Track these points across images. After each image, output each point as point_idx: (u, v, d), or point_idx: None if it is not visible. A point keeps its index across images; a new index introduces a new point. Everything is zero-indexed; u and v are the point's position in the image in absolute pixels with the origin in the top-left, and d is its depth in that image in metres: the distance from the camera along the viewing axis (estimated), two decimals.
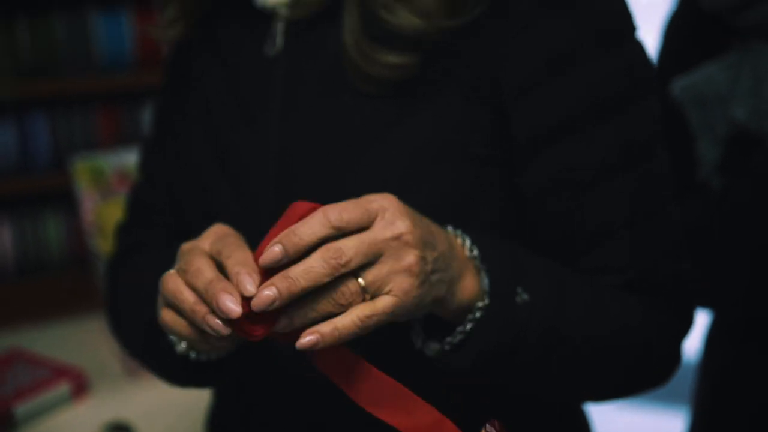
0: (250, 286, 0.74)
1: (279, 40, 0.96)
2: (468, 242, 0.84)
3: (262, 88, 0.96)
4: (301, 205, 0.78)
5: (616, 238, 0.90)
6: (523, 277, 0.85)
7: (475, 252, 0.83)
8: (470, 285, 0.82)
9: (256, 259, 0.76)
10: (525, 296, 0.84)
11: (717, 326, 1.41)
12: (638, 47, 0.91)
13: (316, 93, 0.93)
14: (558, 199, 0.89)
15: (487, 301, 0.82)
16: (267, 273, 0.76)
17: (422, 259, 0.77)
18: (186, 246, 0.82)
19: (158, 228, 1.11)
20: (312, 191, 0.91)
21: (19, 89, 2.15)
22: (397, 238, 0.76)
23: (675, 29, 1.33)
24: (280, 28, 0.96)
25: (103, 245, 1.79)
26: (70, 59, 2.21)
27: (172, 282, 0.80)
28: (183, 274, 0.79)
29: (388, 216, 0.76)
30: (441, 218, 0.86)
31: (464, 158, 0.88)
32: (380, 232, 0.75)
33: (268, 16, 0.98)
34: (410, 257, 0.76)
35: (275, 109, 0.95)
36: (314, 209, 0.77)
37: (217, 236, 0.81)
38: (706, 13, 1.25)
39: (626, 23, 0.90)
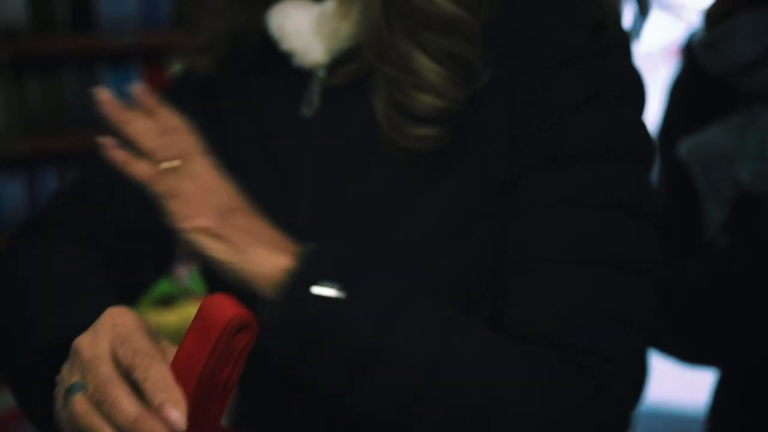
0: (179, 420, 0.68)
1: (316, 101, 0.97)
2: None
3: (297, 149, 0.96)
4: (216, 302, 0.72)
5: (542, 271, 0.86)
6: (341, 276, 0.82)
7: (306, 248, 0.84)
8: (274, 260, 0.83)
9: (173, 370, 0.71)
10: (330, 291, 0.80)
11: (723, 382, 1.40)
12: (637, 117, 0.91)
13: (349, 157, 0.93)
14: (518, 221, 0.88)
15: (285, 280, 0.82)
16: (185, 382, 0.70)
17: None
18: (86, 351, 0.73)
19: (75, 233, 1.00)
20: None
21: (28, 145, 2.17)
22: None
23: (680, 90, 1.35)
24: (316, 89, 0.97)
25: None
26: (79, 115, 2.23)
27: (86, 416, 0.71)
28: (97, 404, 0.71)
29: None
30: (470, 279, 0.88)
31: (492, 215, 0.89)
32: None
33: (304, 75, 0.98)
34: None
35: (309, 171, 0.95)
36: (230, 304, 0.71)
37: (120, 336, 0.73)
38: (710, 75, 1.27)
39: (636, 90, 0.92)
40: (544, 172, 0.87)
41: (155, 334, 0.75)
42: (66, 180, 1.01)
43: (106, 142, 0.86)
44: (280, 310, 0.81)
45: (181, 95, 1.07)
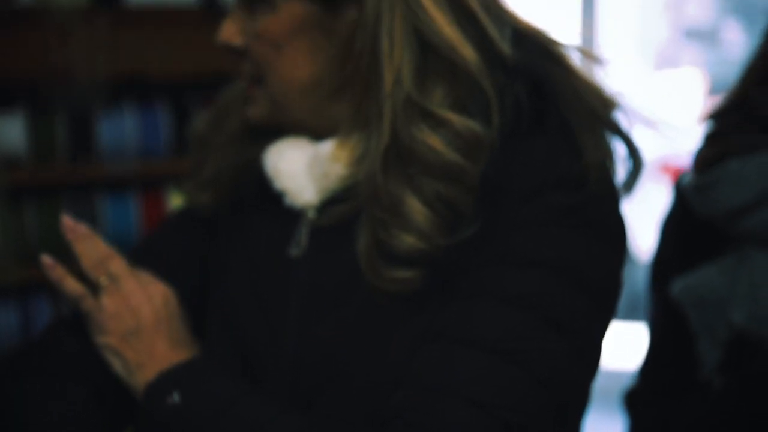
0: None
1: (304, 242, 0.98)
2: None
3: (283, 287, 0.98)
4: None
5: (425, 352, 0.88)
6: (184, 386, 0.92)
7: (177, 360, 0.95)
8: (145, 378, 0.95)
9: None
10: (177, 399, 0.91)
11: None
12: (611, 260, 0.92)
13: (332, 296, 0.95)
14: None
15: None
16: None
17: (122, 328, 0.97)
18: None
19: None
20: (325, 390, 0.93)
21: (24, 273, 2.17)
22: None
23: (672, 228, 1.36)
24: (305, 230, 0.98)
25: None
26: None
27: None
28: None
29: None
30: None
31: None
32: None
33: (295, 214, 1.00)
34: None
35: (294, 311, 0.96)
36: None
37: None
38: (700, 218, 1.29)
39: (615, 239, 0.93)
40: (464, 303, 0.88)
41: None
42: (60, 310, 1.06)
43: (46, 260, 0.98)
44: (144, 410, 0.94)
45: (185, 227, 1.11)
